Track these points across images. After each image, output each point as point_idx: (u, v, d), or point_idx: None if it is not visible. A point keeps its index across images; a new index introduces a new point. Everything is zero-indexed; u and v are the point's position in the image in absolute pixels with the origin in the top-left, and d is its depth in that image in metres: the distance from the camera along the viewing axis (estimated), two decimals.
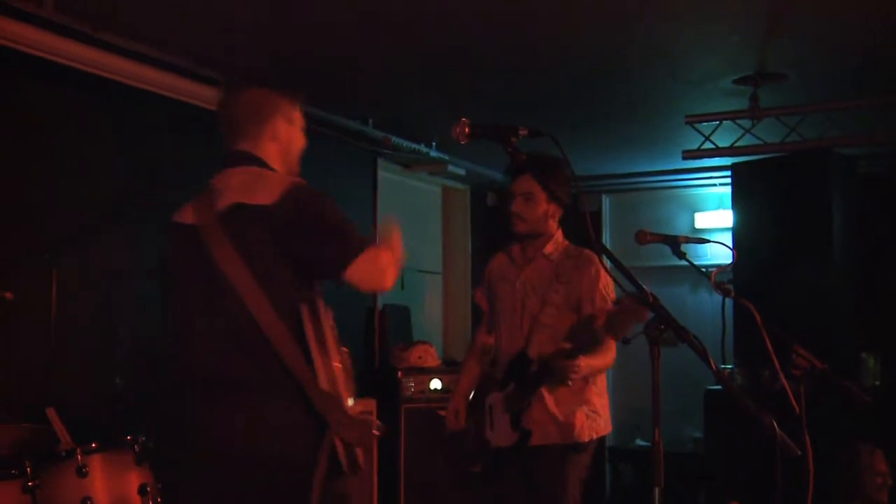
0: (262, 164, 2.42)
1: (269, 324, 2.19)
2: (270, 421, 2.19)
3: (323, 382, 2.19)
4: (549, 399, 3.25)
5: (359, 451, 2.24)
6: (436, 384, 5.71)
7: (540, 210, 3.32)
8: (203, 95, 4.27)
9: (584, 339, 3.02)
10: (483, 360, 3.62)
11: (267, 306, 2.19)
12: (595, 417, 3.32)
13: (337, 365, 2.22)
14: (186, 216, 2.39)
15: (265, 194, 2.25)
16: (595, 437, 3.31)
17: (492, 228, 7.99)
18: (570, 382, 3.15)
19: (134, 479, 3.07)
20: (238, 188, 2.31)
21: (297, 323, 2.22)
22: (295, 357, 2.19)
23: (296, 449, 2.19)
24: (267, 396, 2.21)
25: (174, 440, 2.32)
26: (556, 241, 3.40)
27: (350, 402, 2.26)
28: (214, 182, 2.39)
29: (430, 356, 5.87)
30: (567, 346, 3.10)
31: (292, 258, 2.23)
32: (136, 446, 3.10)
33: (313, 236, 2.23)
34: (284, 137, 2.46)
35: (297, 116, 2.48)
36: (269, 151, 2.44)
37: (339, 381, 2.23)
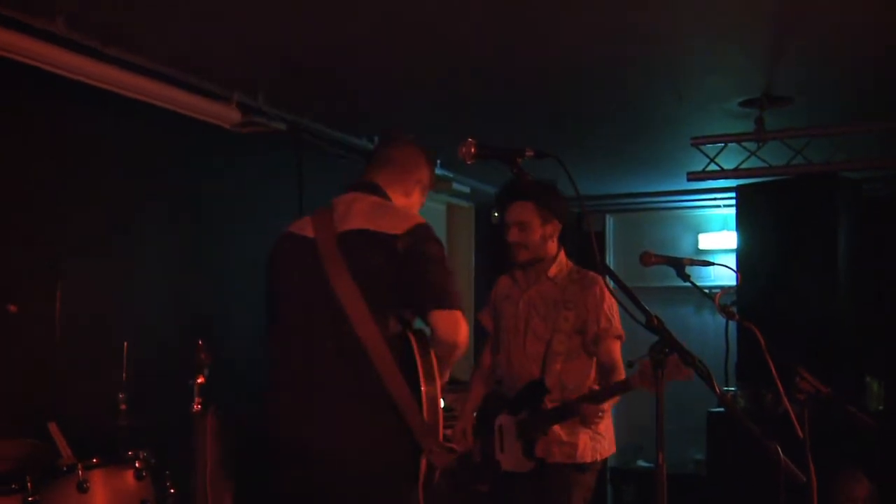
0: (385, 197, 2.58)
1: (375, 348, 2.29)
2: (371, 444, 2.28)
3: (425, 412, 2.30)
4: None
5: (437, 472, 2.36)
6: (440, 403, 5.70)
7: (537, 235, 3.32)
8: (213, 112, 4.33)
9: (618, 388, 3.02)
10: (489, 381, 3.62)
11: (374, 330, 2.31)
12: (599, 439, 3.32)
13: (439, 393, 2.34)
14: (306, 229, 2.50)
15: (391, 224, 2.41)
16: (599, 458, 3.31)
17: (496, 246, 7.97)
18: (591, 426, 3.20)
19: (135, 495, 3.06)
20: (365, 213, 2.46)
21: (405, 350, 2.33)
22: (398, 384, 2.28)
23: (392, 471, 2.32)
24: (369, 419, 2.30)
25: (275, 454, 2.39)
26: (560, 262, 3.39)
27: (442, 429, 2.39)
28: (337, 202, 2.54)
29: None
30: (594, 388, 3.13)
31: (403, 287, 2.36)
32: (137, 462, 3.09)
33: (426, 272, 2.37)
34: (414, 199, 2.66)
35: (428, 186, 2.69)
36: (398, 200, 2.61)
37: (439, 410, 2.33)
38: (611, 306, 3.27)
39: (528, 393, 3.28)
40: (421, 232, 2.42)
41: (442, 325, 2.31)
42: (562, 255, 3.41)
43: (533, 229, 3.31)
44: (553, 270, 3.37)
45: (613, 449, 3.39)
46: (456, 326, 2.31)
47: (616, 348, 3.29)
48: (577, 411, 3.14)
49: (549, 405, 3.19)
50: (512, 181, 3.36)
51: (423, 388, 2.30)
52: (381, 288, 2.36)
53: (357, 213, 2.47)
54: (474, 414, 3.54)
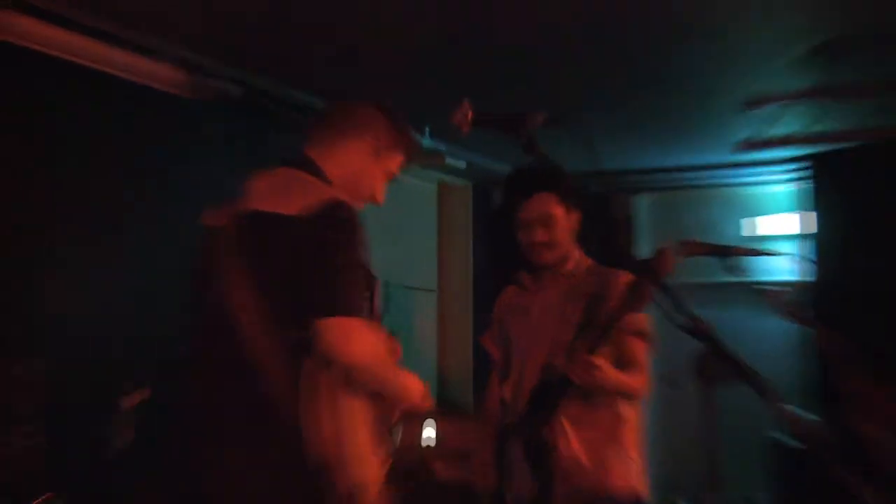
0: (313, 171, 2.50)
1: (270, 368, 2.23)
2: (263, 490, 2.25)
3: (325, 435, 2.25)
4: (571, 434, 3.24)
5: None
6: (429, 433, 5.68)
7: (564, 231, 3.35)
8: (153, 73, 4.39)
9: (597, 333, 3.02)
10: (503, 416, 3.62)
11: (269, 345, 2.23)
12: (629, 462, 3.32)
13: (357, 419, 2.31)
14: (214, 217, 2.47)
15: (287, 203, 2.31)
16: (630, 491, 3.31)
17: (499, 234, 7.98)
18: (593, 383, 3.15)
19: None
20: (264, 193, 2.41)
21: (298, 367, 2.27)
22: (294, 413, 2.24)
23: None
24: (257, 459, 2.26)
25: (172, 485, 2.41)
26: (576, 258, 3.42)
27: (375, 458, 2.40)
28: (247, 182, 2.50)
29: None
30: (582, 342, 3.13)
31: (298, 283, 2.25)
32: None
33: (315, 266, 2.25)
34: (359, 167, 2.57)
35: (391, 159, 2.62)
36: (334, 172, 2.55)
37: (355, 439, 2.30)
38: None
39: (541, 395, 3.28)
40: (323, 211, 2.30)
41: (326, 338, 2.19)
42: (577, 250, 3.45)
43: (559, 224, 3.34)
44: (570, 265, 3.41)
45: (646, 489, 3.39)
46: (345, 339, 2.19)
47: (638, 347, 3.29)
48: (571, 369, 3.12)
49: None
50: (524, 168, 3.38)
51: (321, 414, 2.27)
52: (277, 288, 2.28)
53: (257, 192, 2.43)
54: (494, 448, 3.52)
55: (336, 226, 2.31)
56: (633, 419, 3.36)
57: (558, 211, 3.34)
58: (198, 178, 4.79)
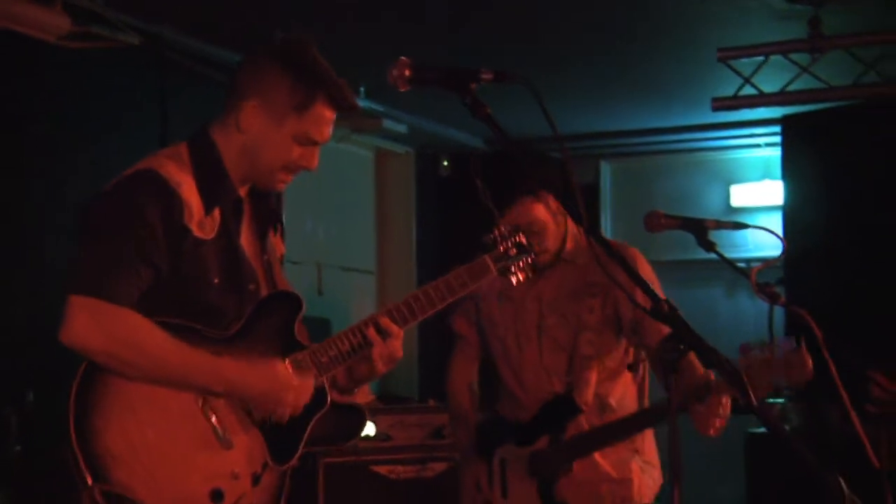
0: (203, 148, 2.50)
1: None
2: None
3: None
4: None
5: None
6: (368, 429, 5.70)
7: (555, 231, 3.32)
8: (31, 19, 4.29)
9: (699, 389, 3.01)
10: (475, 400, 3.61)
11: None
12: (650, 471, 3.39)
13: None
14: None
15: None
16: (653, 500, 3.37)
17: (447, 209, 7.99)
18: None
19: None
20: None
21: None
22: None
23: None
24: None
25: None
26: (574, 235, 3.38)
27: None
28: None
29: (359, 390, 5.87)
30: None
31: None
32: None
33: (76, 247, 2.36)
34: (253, 131, 2.50)
35: (303, 118, 2.50)
36: (230, 140, 2.52)
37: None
38: (651, 281, 3.27)
39: (548, 414, 3.29)
40: (109, 185, 2.41)
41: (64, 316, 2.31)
42: (570, 224, 3.41)
43: (548, 229, 3.31)
44: (569, 247, 3.36)
45: (661, 481, 3.45)
46: (64, 322, 2.28)
47: (665, 329, 3.32)
48: (623, 435, 3.18)
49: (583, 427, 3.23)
50: (500, 162, 3.34)
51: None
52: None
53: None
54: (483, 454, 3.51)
55: (106, 197, 2.39)
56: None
57: (546, 215, 3.29)
58: (87, 145, 4.76)
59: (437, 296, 2.68)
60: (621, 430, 3.23)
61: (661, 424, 3.18)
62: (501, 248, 2.80)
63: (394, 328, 2.57)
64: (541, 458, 3.28)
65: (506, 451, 3.38)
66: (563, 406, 3.28)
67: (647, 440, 3.41)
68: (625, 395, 3.38)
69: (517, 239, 2.83)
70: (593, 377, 3.29)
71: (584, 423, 3.24)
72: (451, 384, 3.66)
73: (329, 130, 2.54)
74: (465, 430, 3.58)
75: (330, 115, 2.52)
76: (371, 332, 2.55)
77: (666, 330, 3.23)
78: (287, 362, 2.47)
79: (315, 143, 2.53)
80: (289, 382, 2.46)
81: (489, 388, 3.60)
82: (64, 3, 4.36)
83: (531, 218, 3.27)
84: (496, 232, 2.89)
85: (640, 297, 3.19)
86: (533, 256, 2.98)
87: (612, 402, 3.33)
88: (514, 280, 2.92)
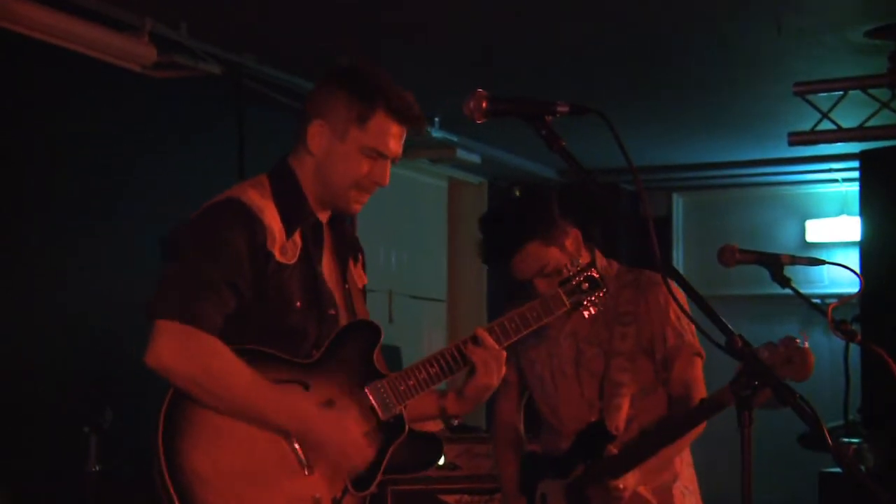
0: (282, 175, 2.57)
1: None
2: None
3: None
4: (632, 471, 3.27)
5: None
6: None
7: (566, 264, 3.29)
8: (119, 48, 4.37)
9: (711, 406, 3.00)
10: (518, 442, 3.61)
11: None
12: (688, 496, 3.36)
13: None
14: None
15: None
16: None
17: None
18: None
19: None
20: None
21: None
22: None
23: None
24: None
25: None
26: (604, 267, 3.37)
27: None
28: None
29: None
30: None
31: None
32: None
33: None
34: (321, 151, 2.55)
35: (364, 130, 2.53)
36: (304, 164, 2.58)
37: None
38: (679, 316, 3.28)
39: (583, 443, 3.29)
40: (192, 215, 2.48)
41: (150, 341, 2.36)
42: (597, 254, 3.40)
43: (559, 266, 3.28)
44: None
45: None
46: (150, 345, 2.33)
47: (696, 371, 3.29)
48: (647, 453, 3.15)
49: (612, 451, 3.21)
50: (488, 224, 3.36)
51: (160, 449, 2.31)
52: None
53: None
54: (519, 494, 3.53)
55: (193, 224, 2.45)
56: (687, 448, 3.39)
57: (553, 253, 3.24)
58: (167, 172, 4.82)
59: (511, 328, 2.72)
60: (651, 441, 3.18)
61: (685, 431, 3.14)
62: (574, 282, 2.82)
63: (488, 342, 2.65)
64: (575, 486, 3.27)
65: (545, 485, 3.37)
66: (597, 433, 3.27)
67: (686, 466, 3.38)
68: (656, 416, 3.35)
69: (589, 273, 2.84)
70: (625, 403, 3.27)
71: (612, 449, 3.22)
72: (497, 429, 3.65)
73: (396, 144, 2.56)
74: (504, 475, 3.54)
75: (394, 127, 2.54)
76: (470, 347, 2.62)
77: (692, 376, 3.23)
78: (359, 414, 2.50)
79: (383, 156, 2.54)
80: (356, 443, 2.49)
81: (533, 423, 3.61)
82: (150, 33, 4.44)
83: (535, 264, 3.21)
84: (570, 266, 2.93)
85: (671, 335, 3.21)
86: (605, 291, 3.00)
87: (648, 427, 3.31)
88: (586, 314, 2.96)
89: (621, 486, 3.15)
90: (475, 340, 2.62)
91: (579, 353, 3.36)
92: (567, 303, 2.79)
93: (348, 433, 2.47)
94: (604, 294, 2.94)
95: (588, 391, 3.35)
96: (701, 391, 3.26)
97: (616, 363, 3.29)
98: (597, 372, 3.33)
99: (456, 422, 3.54)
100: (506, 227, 3.17)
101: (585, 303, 2.84)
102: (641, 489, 3.28)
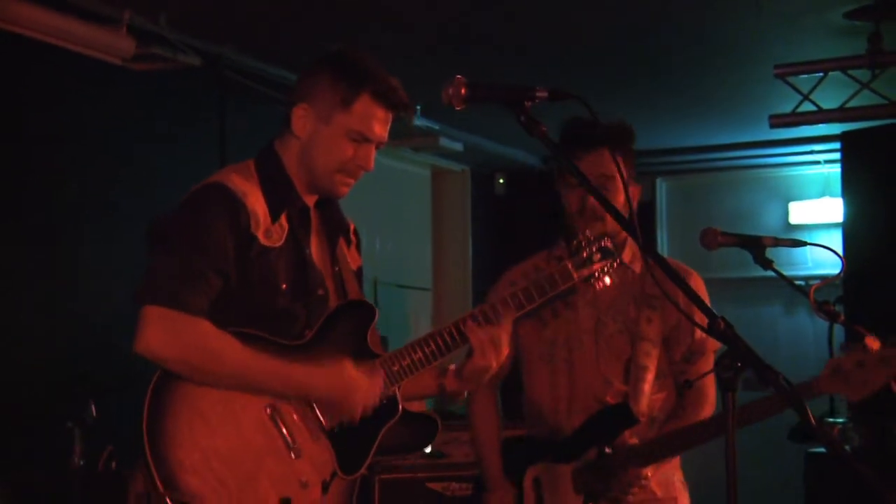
0: (267, 159, 2.57)
1: None
2: None
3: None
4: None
5: None
6: None
7: (622, 199, 3.13)
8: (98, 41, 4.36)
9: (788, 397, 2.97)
10: (498, 421, 3.51)
11: None
12: (684, 489, 3.36)
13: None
14: None
15: None
16: None
17: (503, 226, 8.01)
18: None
19: None
20: None
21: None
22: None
23: None
24: None
25: None
26: (632, 245, 3.27)
27: None
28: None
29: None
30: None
31: None
32: None
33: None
34: (306, 134, 2.55)
35: (349, 113, 2.53)
36: (290, 148, 2.58)
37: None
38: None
39: (598, 425, 3.22)
40: (182, 200, 2.49)
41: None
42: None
43: (618, 189, 3.16)
44: (628, 254, 3.25)
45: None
46: (138, 332, 2.34)
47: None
48: (681, 447, 3.13)
49: (631, 441, 3.16)
50: (574, 122, 3.18)
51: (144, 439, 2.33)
52: None
53: None
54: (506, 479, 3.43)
55: (180, 208, 2.46)
56: None
57: (618, 179, 3.13)
58: (149, 164, 4.82)
59: (515, 304, 2.70)
60: (681, 441, 3.17)
61: (720, 437, 3.14)
62: (584, 253, 2.79)
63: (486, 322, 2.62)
64: (591, 470, 3.21)
65: (539, 469, 3.30)
66: (619, 416, 3.20)
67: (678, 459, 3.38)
68: (667, 407, 3.33)
69: (602, 244, 2.81)
70: (647, 388, 3.24)
71: (628, 436, 3.18)
72: (475, 414, 3.52)
73: (381, 128, 2.56)
74: (486, 463, 3.44)
75: (380, 111, 2.54)
76: (470, 325, 2.61)
77: (710, 376, 3.21)
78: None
79: (367, 140, 2.54)
80: (357, 382, 2.48)
81: (509, 409, 3.55)
82: (128, 25, 4.42)
83: (604, 170, 3.10)
84: (580, 237, 2.87)
85: (699, 319, 3.17)
86: (619, 261, 2.95)
87: (660, 417, 3.29)
88: (598, 286, 2.88)
89: (649, 473, 3.12)
90: (475, 318, 2.61)
91: (599, 324, 3.25)
92: (575, 276, 2.74)
93: (347, 377, 2.47)
94: (618, 263, 2.89)
95: (605, 367, 3.23)
96: (714, 389, 3.24)
97: (642, 347, 3.21)
98: (619, 351, 3.24)
99: (460, 402, 3.47)
100: (599, 125, 3.03)
101: (597, 274, 2.79)
102: (653, 485, 3.27)
